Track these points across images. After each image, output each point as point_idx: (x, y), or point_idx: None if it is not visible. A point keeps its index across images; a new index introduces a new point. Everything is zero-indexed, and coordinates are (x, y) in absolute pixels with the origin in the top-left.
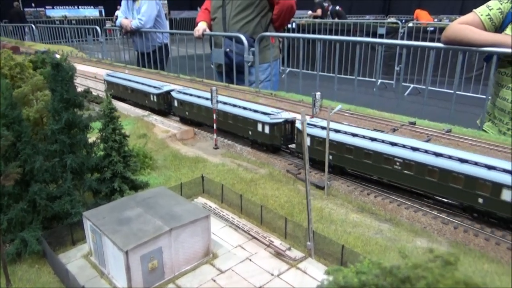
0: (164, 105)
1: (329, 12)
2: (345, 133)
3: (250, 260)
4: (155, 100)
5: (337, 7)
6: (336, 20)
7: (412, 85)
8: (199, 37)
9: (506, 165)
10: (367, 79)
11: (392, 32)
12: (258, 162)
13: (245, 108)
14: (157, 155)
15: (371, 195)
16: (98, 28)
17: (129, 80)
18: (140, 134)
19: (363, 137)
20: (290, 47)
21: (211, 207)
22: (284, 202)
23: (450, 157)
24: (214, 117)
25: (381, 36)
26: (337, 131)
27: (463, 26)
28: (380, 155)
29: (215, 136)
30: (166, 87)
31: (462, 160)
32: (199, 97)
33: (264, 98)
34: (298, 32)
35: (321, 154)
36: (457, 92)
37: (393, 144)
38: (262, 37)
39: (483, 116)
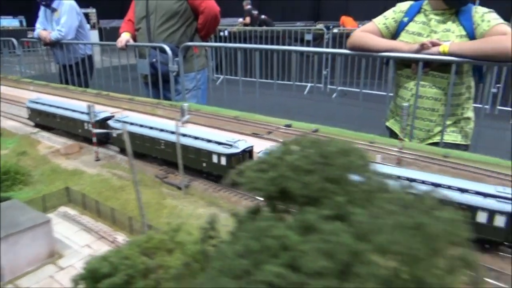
0: (101, 134)
1: (258, 21)
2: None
3: (91, 256)
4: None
5: (263, 16)
6: (265, 27)
7: (338, 88)
8: (122, 48)
9: None
10: (301, 83)
11: (318, 38)
12: (129, 170)
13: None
14: (35, 170)
15: (221, 191)
16: (14, 40)
17: (57, 107)
18: (20, 151)
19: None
20: (225, 55)
21: (70, 214)
22: (143, 203)
23: None
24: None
25: (308, 42)
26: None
27: (364, 34)
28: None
29: (95, 148)
30: (103, 113)
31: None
32: (141, 126)
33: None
34: (231, 39)
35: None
36: (374, 92)
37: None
38: (187, 47)
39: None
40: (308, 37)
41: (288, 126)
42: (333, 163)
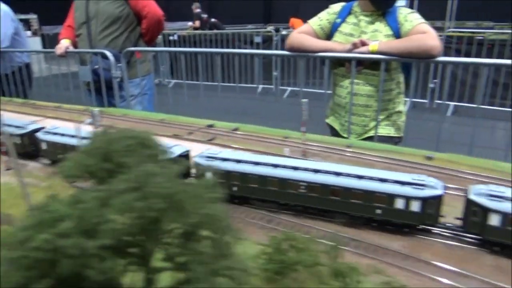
0: (30, 147)
1: (207, 24)
2: None
3: None
4: (19, 142)
5: (213, 19)
6: (215, 31)
7: (289, 88)
8: (62, 55)
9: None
10: (248, 85)
11: (268, 40)
12: (42, 177)
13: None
14: None
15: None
16: None
17: None
18: None
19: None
20: (172, 59)
21: None
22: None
23: None
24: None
25: (257, 45)
26: None
27: (300, 35)
28: None
29: (4, 158)
30: (32, 125)
31: None
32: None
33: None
34: (180, 43)
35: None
36: (316, 91)
37: None
38: (131, 52)
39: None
40: (258, 39)
41: (210, 126)
42: (112, 148)
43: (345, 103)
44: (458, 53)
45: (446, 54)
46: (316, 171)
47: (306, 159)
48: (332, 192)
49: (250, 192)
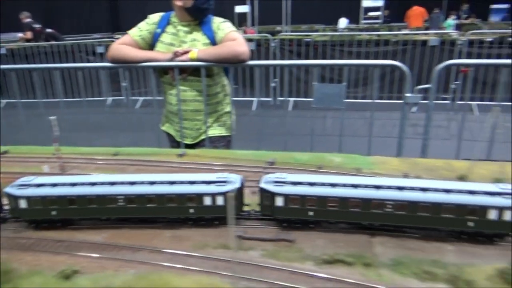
0: None
1: (42, 35)
2: None
3: None
4: None
5: (49, 30)
6: (53, 42)
7: (141, 98)
8: None
9: None
10: (96, 98)
11: None
12: None
13: None
14: None
15: None
16: None
17: None
18: None
19: None
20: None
21: None
22: None
23: None
24: None
25: (101, 55)
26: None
27: (121, 46)
28: None
29: None
30: None
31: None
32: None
33: None
34: (9, 58)
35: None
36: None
37: None
38: None
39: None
40: (100, 49)
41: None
42: None
43: (176, 109)
44: (291, 54)
45: (281, 55)
46: (132, 183)
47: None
48: (149, 200)
49: (72, 214)
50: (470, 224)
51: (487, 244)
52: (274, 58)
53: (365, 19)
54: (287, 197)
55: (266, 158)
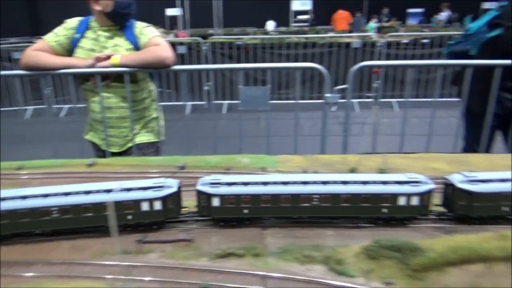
0: None
1: None
2: None
3: None
4: None
5: None
6: None
7: (67, 106)
8: None
9: None
10: (13, 108)
11: None
12: None
13: None
14: None
15: None
16: None
17: None
18: None
19: None
20: None
21: None
22: None
23: None
24: None
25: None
26: None
27: (35, 53)
28: None
29: None
30: None
31: None
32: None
33: None
34: None
35: None
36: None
37: None
38: None
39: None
40: (17, 55)
41: None
42: None
43: (100, 117)
44: (223, 57)
45: (213, 58)
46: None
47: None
48: (85, 209)
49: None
50: (384, 210)
51: (398, 227)
52: (206, 62)
53: (295, 22)
54: (223, 197)
55: (177, 162)
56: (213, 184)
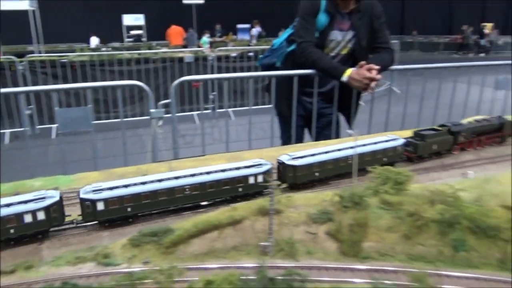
0: None
1: None
2: None
3: None
4: None
5: None
6: None
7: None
8: None
9: None
10: None
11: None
12: None
13: None
14: None
15: None
16: None
17: None
18: None
19: None
20: None
21: None
22: None
23: None
24: None
25: None
26: None
27: None
28: None
29: None
30: None
31: None
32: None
33: None
34: None
35: None
36: None
37: None
38: None
39: None
40: None
41: None
42: None
43: None
44: (47, 76)
45: (34, 78)
46: None
47: None
48: None
49: None
50: (240, 190)
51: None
52: (25, 83)
53: (128, 37)
54: (107, 200)
55: None
56: (96, 191)
